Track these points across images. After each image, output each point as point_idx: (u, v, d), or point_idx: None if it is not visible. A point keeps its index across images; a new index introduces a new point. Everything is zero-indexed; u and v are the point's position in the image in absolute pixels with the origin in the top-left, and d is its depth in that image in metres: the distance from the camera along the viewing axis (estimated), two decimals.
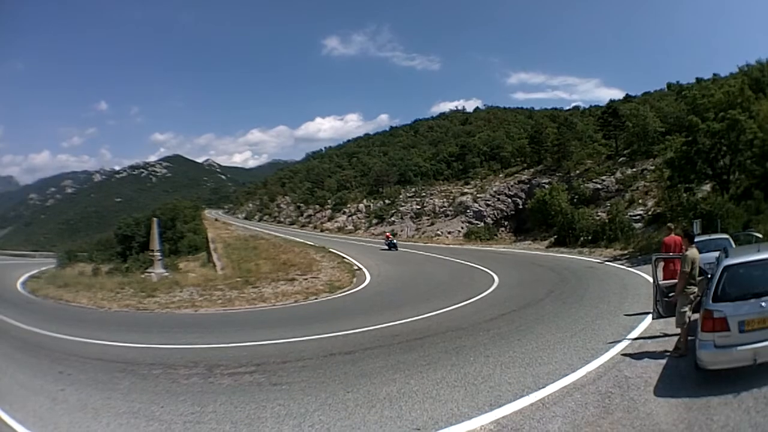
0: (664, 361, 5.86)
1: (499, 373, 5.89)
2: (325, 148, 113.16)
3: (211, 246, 29.76)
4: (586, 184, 34.29)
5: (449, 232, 41.49)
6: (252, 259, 22.46)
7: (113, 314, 13.23)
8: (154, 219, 25.24)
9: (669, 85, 55.13)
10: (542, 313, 9.55)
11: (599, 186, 33.78)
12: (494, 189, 43.46)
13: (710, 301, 5.12)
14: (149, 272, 20.90)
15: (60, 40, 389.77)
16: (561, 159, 39.76)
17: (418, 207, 48.29)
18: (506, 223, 40.84)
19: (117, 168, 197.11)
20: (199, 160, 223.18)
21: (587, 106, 68.56)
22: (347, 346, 7.86)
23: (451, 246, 34.04)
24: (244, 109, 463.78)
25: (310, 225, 60.14)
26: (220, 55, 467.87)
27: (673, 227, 10.05)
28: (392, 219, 48.71)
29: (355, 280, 18.09)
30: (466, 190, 46.78)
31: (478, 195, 44.21)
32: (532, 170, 42.70)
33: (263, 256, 23.88)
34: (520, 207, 39.72)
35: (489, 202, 42.51)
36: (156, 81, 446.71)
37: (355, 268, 20.95)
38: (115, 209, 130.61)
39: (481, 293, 12.90)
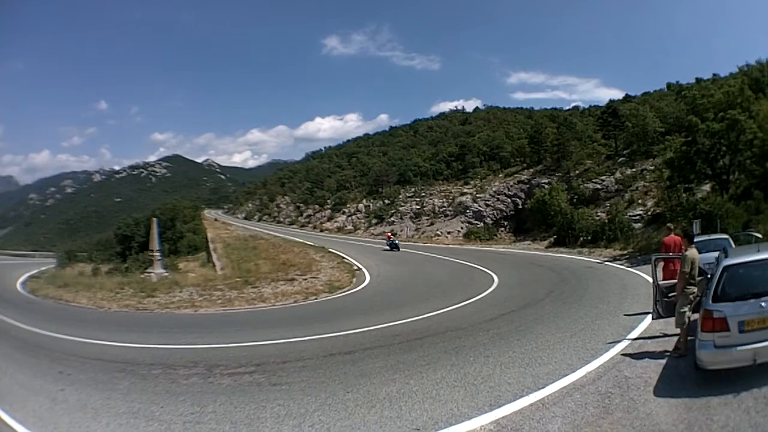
0: (664, 361, 5.86)
1: (498, 373, 5.89)
2: (324, 148, 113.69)
3: (211, 246, 29.77)
4: (585, 184, 34.31)
5: (449, 232, 41.50)
6: (251, 259, 22.45)
7: (113, 314, 13.21)
8: (154, 219, 25.23)
9: (669, 85, 55.18)
10: (542, 313, 9.56)
11: (599, 186, 33.80)
12: (494, 189, 43.48)
13: (710, 301, 5.12)
14: (149, 272, 20.89)
15: (60, 40, 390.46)
16: (561, 159, 39.78)
17: (418, 207, 48.30)
18: (506, 223, 40.84)
19: (117, 168, 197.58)
20: (199, 160, 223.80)
21: (587, 106, 68.69)
22: (347, 346, 7.86)
23: (450, 246, 34.04)
24: (243, 109, 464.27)
25: (310, 225, 60.16)
26: (220, 55, 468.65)
27: (672, 227, 10.06)
28: (392, 219, 48.73)
29: (354, 280, 18.08)
30: (465, 190, 46.79)
31: (477, 195, 44.22)
32: (531, 170, 42.71)
33: (263, 256, 23.87)
34: (520, 207, 39.73)
35: (488, 202, 42.52)
36: (156, 81, 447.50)
37: (355, 268, 20.95)
38: (114, 209, 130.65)
39: (481, 293, 12.90)
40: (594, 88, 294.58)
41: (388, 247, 30.22)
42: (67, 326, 10.97)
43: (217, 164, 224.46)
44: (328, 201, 63.39)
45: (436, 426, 4.51)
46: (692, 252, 6.20)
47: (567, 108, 75.04)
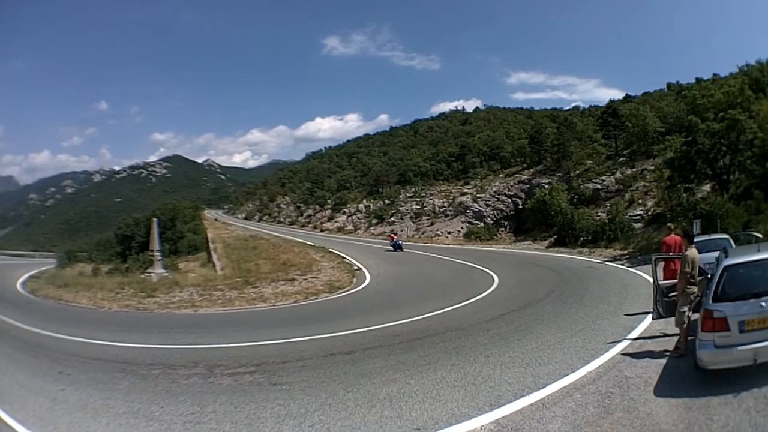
0: (664, 361, 5.86)
1: (499, 373, 5.89)
2: (325, 148, 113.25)
3: (211, 246, 29.78)
4: (585, 184, 34.27)
5: (449, 232, 41.48)
6: (252, 259, 22.46)
7: (113, 314, 13.22)
8: (154, 219, 25.26)
9: (669, 85, 55.10)
10: (542, 313, 9.56)
11: (599, 186, 33.77)
12: (494, 189, 43.44)
13: (710, 301, 5.13)
14: (149, 272, 20.90)
15: (60, 40, 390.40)
16: (561, 159, 39.75)
17: (418, 207, 48.27)
18: (506, 223, 40.80)
19: (117, 168, 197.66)
20: (199, 160, 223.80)
21: (587, 106, 68.59)
22: (347, 346, 7.86)
23: (450, 246, 34.04)
24: (244, 109, 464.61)
25: (310, 225, 60.14)
26: (220, 55, 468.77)
27: (672, 227, 10.04)
28: (392, 219, 48.71)
29: (355, 280, 18.09)
30: (465, 191, 46.77)
31: (477, 195, 44.20)
32: (531, 170, 42.67)
33: (263, 256, 23.88)
34: (520, 207, 39.68)
35: (489, 202, 42.49)
36: (156, 81, 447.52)
37: (355, 268, 20.95)
38: (114, 209, 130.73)
39: (481, 293, 12.90)
40: (594, 88, 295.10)
41: (391, 248, 29.33)
42: (67, 326, 10.98)
43: (218, 164, 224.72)
44: (329, 201, 63.37)
45: (437, 426, 4.51)
46: (692, 252, 6.20)
47: (567, 108, 75.09)
